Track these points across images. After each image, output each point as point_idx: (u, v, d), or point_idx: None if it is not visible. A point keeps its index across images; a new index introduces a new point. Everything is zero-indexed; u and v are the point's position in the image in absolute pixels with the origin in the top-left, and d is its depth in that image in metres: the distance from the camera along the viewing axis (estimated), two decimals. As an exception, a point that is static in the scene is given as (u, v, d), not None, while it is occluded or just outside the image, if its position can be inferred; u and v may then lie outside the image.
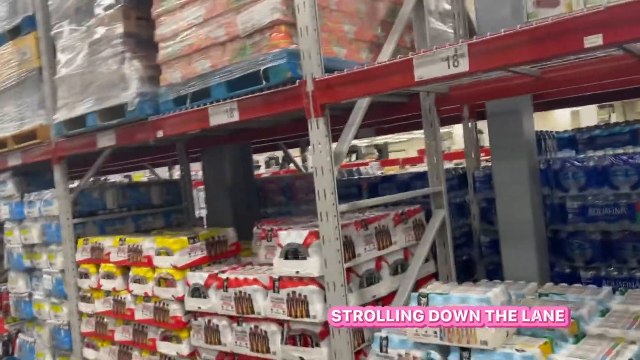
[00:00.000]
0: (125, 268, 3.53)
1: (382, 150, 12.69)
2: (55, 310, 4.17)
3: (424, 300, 2.17)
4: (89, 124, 3.46)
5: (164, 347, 3.25)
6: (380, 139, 11.39)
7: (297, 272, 2.56)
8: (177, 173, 9.02)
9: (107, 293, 3.63)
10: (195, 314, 3.07)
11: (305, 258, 2.54)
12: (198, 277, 3.01)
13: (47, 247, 4.20)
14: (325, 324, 2.50)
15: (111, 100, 3.25)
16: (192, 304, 3.04)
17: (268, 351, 2.71)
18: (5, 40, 4.32)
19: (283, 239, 2.63)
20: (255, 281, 2.75)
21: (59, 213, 3.99)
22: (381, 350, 2.29)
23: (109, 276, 3.60)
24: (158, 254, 3.25)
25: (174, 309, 3.16)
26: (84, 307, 3.85)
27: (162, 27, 3.01)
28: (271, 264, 2.99)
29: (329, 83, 2.34)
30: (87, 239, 3.83)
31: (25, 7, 4.03)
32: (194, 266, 3.20)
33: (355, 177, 4.97)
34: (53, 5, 3.69)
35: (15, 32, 4.21)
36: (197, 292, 3.01)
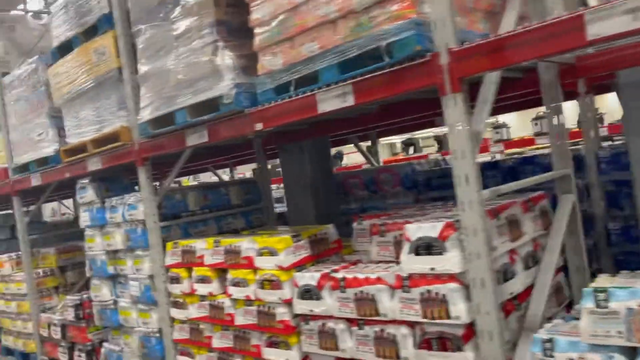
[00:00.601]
0: (221, 271, 3.35)
1: (442, 142, 12.12)
2: (143, 317, 4.03)
3: (602, 295, 1.87)
4: (178, 121, 3.28)
5: (271, 354, 3.04)
6: (439, 131, 10.96)
7: (433, 269, 2.29)
8: (237, 175, 8.95)
9: (202, 298, 3.45)
10: (307, 318, 2.84)
11: (441, 253, 2.27)
12: (309, 278, 2.79)
13: (132, 252, 4.06)
14: (470, 326, 2.24)
15: (204, 93, 3.07)
16: (303, 306, 2.82)
17: (397, 357, 2.46)
18: (78, 43, 4.21)
19: (412, 232, 2.37)
20: (379, 280, 2.50)
21: (144, 217, 3.85)
22: (545, 355, 2.00)
23: (203, 280, 3.42)
24: (260, 254, 3.04)
25: (281, 313, 2.95)
26: (176, 313, 3.68)
27: (258, 10, 2.79)
28: (386, 262, 2.77)
29: (469, 53, 2.07)
30: (176, 242, 3.66)
31: (101, 6, 3.89)
32: (298, 266, 2.98)
33: (446, 167, 4.65)
34: (132, 0, 3.55)
35: (90, 33, 4.08)
36: (308, 293, 2.79)
